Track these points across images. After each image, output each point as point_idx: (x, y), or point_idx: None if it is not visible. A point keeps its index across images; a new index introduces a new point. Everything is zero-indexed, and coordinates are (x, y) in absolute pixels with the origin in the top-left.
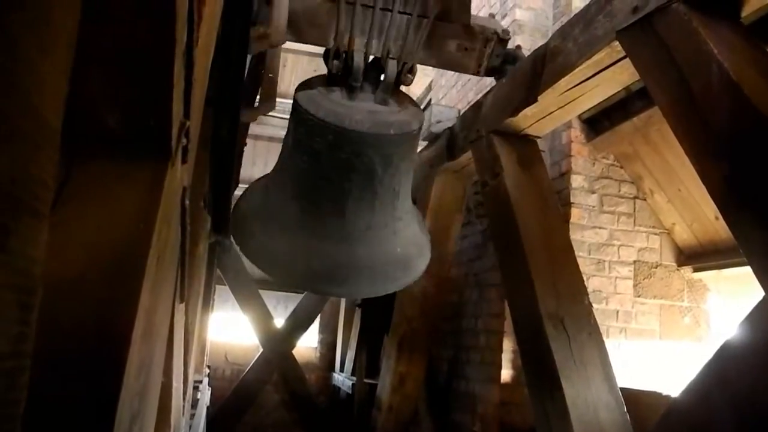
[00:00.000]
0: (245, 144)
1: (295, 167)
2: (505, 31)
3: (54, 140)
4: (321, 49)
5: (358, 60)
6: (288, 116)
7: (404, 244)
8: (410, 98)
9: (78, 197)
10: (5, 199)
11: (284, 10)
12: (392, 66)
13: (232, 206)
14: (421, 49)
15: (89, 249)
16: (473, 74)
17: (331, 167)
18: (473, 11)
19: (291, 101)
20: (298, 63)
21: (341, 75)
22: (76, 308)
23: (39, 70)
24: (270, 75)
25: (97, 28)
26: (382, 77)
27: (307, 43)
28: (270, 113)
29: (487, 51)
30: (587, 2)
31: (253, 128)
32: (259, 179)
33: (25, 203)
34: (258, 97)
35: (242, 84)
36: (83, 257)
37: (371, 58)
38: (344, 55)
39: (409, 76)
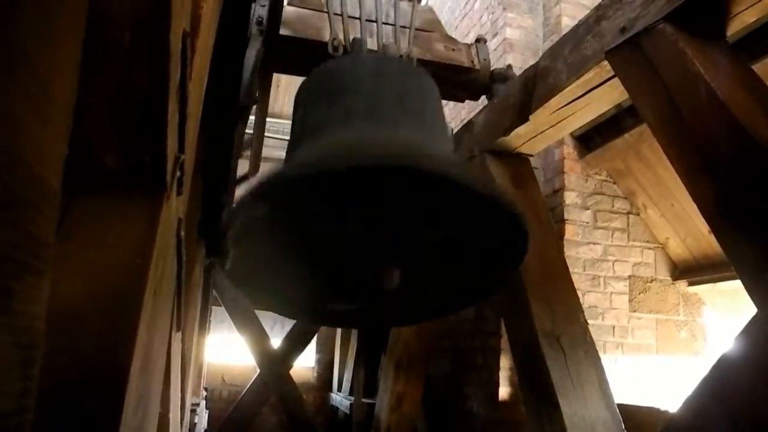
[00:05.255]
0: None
1: (313, 118)
2: (481, 35)
3: (54, 201)
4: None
5: (359, 42)
6: (283, 136)
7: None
8: None
9: (75, 235)
10: (8, 263)
11: None
12: (392, 49)
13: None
14: (413, 45)
15: (85, 286)
16: (467, 68)
17: (356, 96)
18: (464, 30)
19: (285, 121)
20: (292, 83)
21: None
22: (73, 346)
23: (39, 140)
24: None
25: (91, 70)
26: None
27: (302, 38)
28: (264, 133)
29: (473, 51)
30: (576, 22)
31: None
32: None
33: (26, 263)
34: None
35: (237, 104)
36: (79, 294)
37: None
38: (342, 48)
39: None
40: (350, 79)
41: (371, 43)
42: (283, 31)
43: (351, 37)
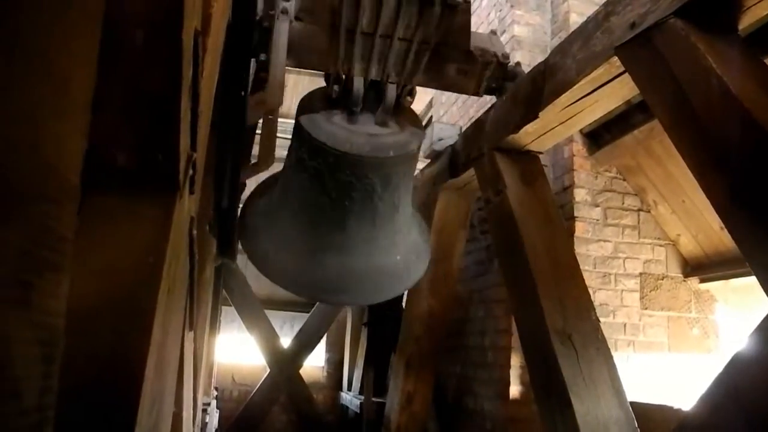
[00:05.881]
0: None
1: (297, 184)
2: (505, 55)
3: (74, 197)
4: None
5: (358, 86)
6: (288, 136)
7: (404, 252)
8: (412, 114)
9: (88, 233)
10: (28, 258)
11: (280, 74)
12: (391, 90)
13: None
14: (420, 74)
15: (99, 285)
16: (472, 95)
17: (332, 187)
18: (471, 28)
19: (292, 121)
20: (300, 83)
21: (342, 99)
22: (87, 345)
23: (59, 135)
24: (269, 119)
25: (107, 69)
26: (381, 106)
27: (307, 69)
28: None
29: (486, 74)
30: (585, 18)
31: (256, 149)
32: (263, 184)
33: (46, 259)
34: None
35: (246, 105)
36: (93, 293)
37: (371, 79)
38: (344, 80)
39: (408, 98)
40: (331, 175)
41: (376, 71)
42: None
43: (355, 68)
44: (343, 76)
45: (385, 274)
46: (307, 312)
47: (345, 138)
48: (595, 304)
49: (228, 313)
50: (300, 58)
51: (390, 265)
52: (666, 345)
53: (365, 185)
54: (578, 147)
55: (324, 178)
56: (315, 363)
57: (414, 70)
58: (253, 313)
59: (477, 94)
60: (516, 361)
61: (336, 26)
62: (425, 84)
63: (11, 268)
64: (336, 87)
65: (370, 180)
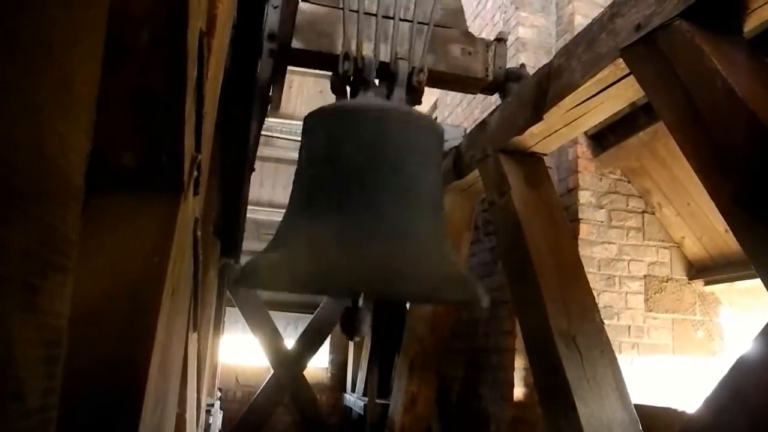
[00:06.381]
0: (254, 169)
1: (312, 179)
2: (502, 32)
3: (78, 197)
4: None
5: (370, 59)
6: (295, 137)
7: (454, 264)
8: None
9: (93, 234)
10: (34, 260)
11: None
12: (403, 66)
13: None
14: (427, 53)
15: (103, 285)
16: (480, 78)
17: (353, 162)
18: (476, 30)
19: (297, 122)
20: (304, 84)
21: (352, 77)
22: (91, 346)
23: (62, 134)
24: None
25: (111, 69)
26: (394, 87)
27: (315, 51)
28: (277, 135)
29: (490, 53)
30: (590, 20)
31: (261, 150)
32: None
33: (50, 260)
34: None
35: (252, 108)
36: (98, 294)
37: (380, 62)
38: (354, 60)
39: (421, 74)
40: (351, 146)
41: (384, 51)
42: (294, 44)
43: (363, 47)
44: (353, 58)
45: (432, 273)
46: (311, 313)
47: (362, 100)
48: (600, 306)
49: (232, 314)
50: (308, 41)
51: (441, 265)
52: (670, 347)
53: (391, 152)
54: (583, 149)
55: (343, 155)
56: (319, 364)
57: (420, 48)
58: (257, 314)
59: (486, 80)
60: (520, 363)
61: (342, 7)
62: (434, 66)
63: (14, 270)
64: (347, 63)
65: (396, 144)
